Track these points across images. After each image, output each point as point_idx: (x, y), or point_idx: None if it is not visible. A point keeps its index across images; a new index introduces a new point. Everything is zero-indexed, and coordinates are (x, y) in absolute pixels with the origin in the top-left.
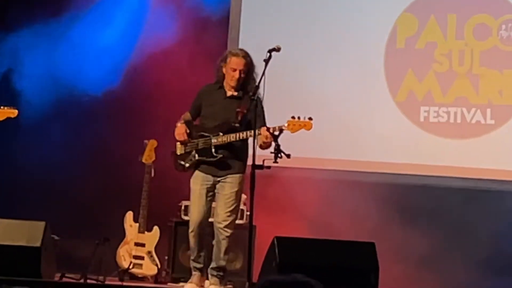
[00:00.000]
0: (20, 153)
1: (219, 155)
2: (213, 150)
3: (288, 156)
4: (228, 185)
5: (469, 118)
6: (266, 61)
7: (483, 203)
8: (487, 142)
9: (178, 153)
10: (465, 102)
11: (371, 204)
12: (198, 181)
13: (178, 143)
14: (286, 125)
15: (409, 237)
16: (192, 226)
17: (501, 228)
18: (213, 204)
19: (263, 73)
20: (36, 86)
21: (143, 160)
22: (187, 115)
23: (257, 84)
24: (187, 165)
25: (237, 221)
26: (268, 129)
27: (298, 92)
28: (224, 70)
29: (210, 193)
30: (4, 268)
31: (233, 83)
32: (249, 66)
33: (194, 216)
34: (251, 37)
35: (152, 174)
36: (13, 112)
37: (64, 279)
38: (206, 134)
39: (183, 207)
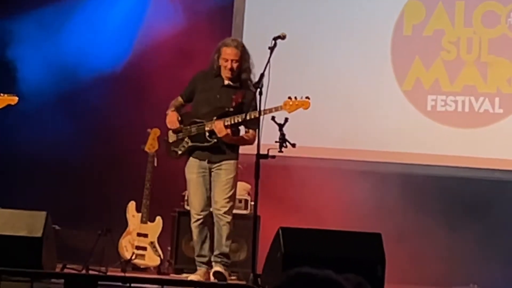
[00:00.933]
0: (21, 142)
1: (213, 140)
2: (207, 135)
3: (293, 145)
4: (224, 171)
5: (477, 107)
6: (272, 49)
7: (492, 193)
8: (495, 131)
9: (171, 141)
10: (473, 90)
11: (378, 194)
12: (194, 170)
13: (170, 131)
14: (282, 105)
15: (415, 225)
16: (194, 216)
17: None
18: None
19: (268, 61)
20: (38, 72)
21: (146, 149)
22: (178, 100)
23: (262, 72)
24: (179, 151)
25: (242, 211)
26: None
27: (303, 80)
28: (219, 61)
29: (207, 181)
30: (4, 259)
31: (228, 74)
32: (242, 56)
33: (195, 206)
34: (256, 23)
35: (155, 164)
36: (12, 99)
37: (66, 270)
38: (199, 120)
39: (186, 197)
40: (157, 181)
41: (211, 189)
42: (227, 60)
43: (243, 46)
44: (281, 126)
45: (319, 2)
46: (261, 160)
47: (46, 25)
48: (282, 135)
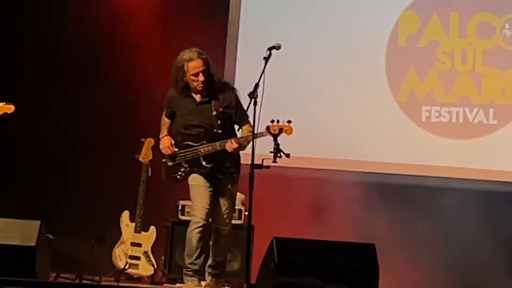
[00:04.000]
0: (14, 150)
1: (209, 166)
2: (202, 161)
3: (287, 155)
4: (226, 187)
5: (472, 118)
6: (266, 59)
7: (486, 205)
8: (489, 142)
9: (169, 165)
10: (467, 101)
11: (372, 204)
12: (200, 178)
13: (164, 156)
14: (265, 131)
15: (409, 236)
16: (197, 222)
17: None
18: None
19: (263, 71)
20: None
21: (140, 159)
22: (166, 121)
23: (257, 82)
24: (179, 177)
25: (236, 221)
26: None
27: (298, 90)
28: (185, 79)
29: (211, 189)
30: None
31: (200, 88)
32: (207, 63)
33: (199, 212)
34: (249, 34)
35: (149, 173)
36: (9, 108)
37: (59, 279)
38: (193, 144)
39: (180, 207)
40: (151, 190)
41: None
42: (197, 74)
43: (204, 53)
44: (275, 137)
45: (315, 13)
46: (255, 170)
47: None
48: (277, 145)
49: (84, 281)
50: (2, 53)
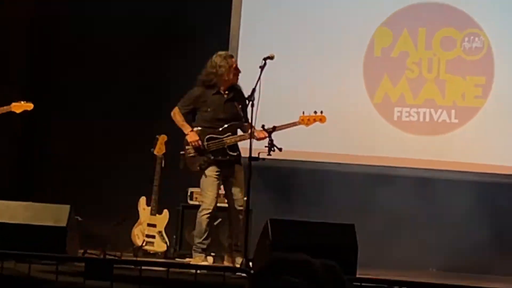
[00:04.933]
0: (48, 146)
1: (235, 154)
2: (228, 150)
3: (280, 149)
4: (239, 173)
5: (436, 118)
6: (262, 68)
7: (447, 191)
8: (452, 138)
9: (192, 155)
10: (433, 104)
11: (352, 191)
12: (214, 170)
13: (190, 147)
14: (299, 120)
15: (383, 217)
16: (207, 210)
17: (463, 214)
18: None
19: (259, 78)
20: None
21: (155, 152)
22: (182, 114)
23: (254, 87)
24: (203, 166)
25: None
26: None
27: (289, 94)
28: (224, 76)
29: (219, 182)
30: (34, 246)
31: (235, 81)
32: None
33: (210, 200)
34: (248, 46)
35: (163, 165)
36: (29, 106)
37: (86, 255)
38: (218, 136)
39: (189, 193)
40: (164, 179)
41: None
42: (237, 69)
43: None
44: (269, 133)
45: (304, 29)
46: (252, 162)
47: None
48: (271, 141)
49: (107, 256)
50: (39, 56)
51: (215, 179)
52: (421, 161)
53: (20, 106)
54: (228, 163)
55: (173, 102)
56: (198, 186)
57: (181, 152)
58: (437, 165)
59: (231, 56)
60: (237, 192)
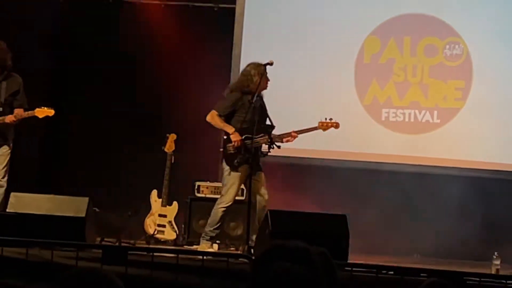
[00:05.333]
0: (69, 144)
1: (269, 152)
2: (262, 149)
3: (278, 147)
4: (262, 172)
5: (420, 118)
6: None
7: (430, 185)
8: (434, 137)
9: (232, 152)
10: (417, 105)
11: (343, 184)
12: (245, 167)
13: (231, 145)
14: (319, 125)
15: (371, 206)
16: (227, 204)
17: (443, 205)
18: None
19: (259, 83)
20: None
21: (166, 150)
22: (222, 119)
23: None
24: (239, 163)
25: (239, 198)
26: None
27: (287, 96)
28: (259, 82)
29: (244, 180)
30: (56, 234)
31: (266, 88)
32: None
33: (231, 197)
34: (250, 53)
35: (172, 161)
36: (50, 112)
37: (103, 243)
38: (254, 137)
39: (196, 187)
40: (173, 174)
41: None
42: (267, 77)
43: None
44: (269, 132)
45: (301, 38)
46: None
47: None
48: (270, 139)
49: (122, 244)
50: (61, 64)
51: (243, 177)
52: (407, 157)
53: (43, 112)
54: (257, 163)
55: (181, 104)
56: (204, 180)
57: (220, 149)
58: (421, 161)
59: (262, 65)
60: (263, 190)
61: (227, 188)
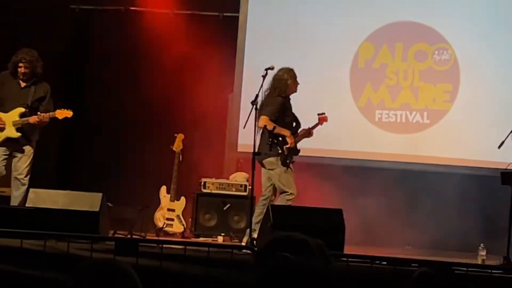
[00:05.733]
0: (84, 143)
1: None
2: (297, 148)
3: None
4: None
5: (411, 119)
6: (264, 77)
7: (420, 181)
8: (424, 136)
9: (286, 153)
10: (408, 107)
11: (336, 180)
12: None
13: (288, 147)
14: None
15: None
16: (295, 196)
17: (433, 199)
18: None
19: (261, 85)
20: None
21: (174, 148)
22: (273, 123)
23: (257, 93)
24: (290, 162)
25: (242, 193)
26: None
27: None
28: (292, 85)
29: None
30: (72, 227)
31: (294, 93)
32: None
33: (295, 189)
34: (252, 58)
35: (180, 159)
36: (69, 113)
37: (116, 235)
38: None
39: (202, 183)
40: (181, 171)
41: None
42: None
43: None
44: (270, 133)
45: (300, 44)
46: (256, 156)
47: None
48: (271, 139)
49: (134, 236)
50: (77, 67)
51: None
52: (398, 155)
53: (62, 113)
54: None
55: (189, 106)
56: (209, 176)
57: (279, 152)
58: (412, 158)
59: (293, 70)
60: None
61: (290, 184)
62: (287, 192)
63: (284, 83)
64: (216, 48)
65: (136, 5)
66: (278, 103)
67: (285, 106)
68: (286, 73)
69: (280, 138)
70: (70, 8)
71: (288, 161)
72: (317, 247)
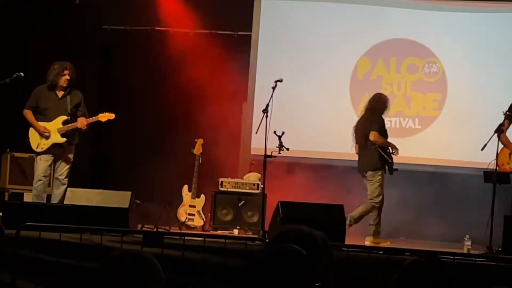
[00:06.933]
0: (115, 145)
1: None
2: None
3: (287, 149)
4: None
5: (404, 124)
6: (273, 88)
7: (412, 179)
8: (415, 140)
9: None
10: (401, 114)
11: (338, 179)
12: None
13: (395, 154)
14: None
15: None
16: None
17: (423, 196)
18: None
19: (271, 96)
20: None
21: (194, 152)
22: None
23: (267, 102)
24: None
25: (255, 191)
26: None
27: (294, 108)
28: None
29: None
30: (104, 222)
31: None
32: None
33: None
34: (263, 71)
35: (200, 161)
36: (111, 115)
37: (143, 229)
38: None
39: (220, 182)
40: (201, 171)
41: None
42: None
43: None
44: (279, 137)
45: (305, 59)
46: (267, 158)
47: None
48: (280, 142)
49: (159, 230)
50: (108, 79)
51: None
52: (394, 157)
53: (105, 116)
54: None
55: (207, 114)
56: (226, 176)
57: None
58: (405, 159)
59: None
60: None
61: (382, 188)
62: (377, 195)
63: (382, 103)
64: (231, 63)
65: (161, 25)
66: (381, 120)
67: (383, 122)
68: (382, 93)
69: (382, 152)
70: (102, 29)
71: (394, 168)
72: (321, 239)
